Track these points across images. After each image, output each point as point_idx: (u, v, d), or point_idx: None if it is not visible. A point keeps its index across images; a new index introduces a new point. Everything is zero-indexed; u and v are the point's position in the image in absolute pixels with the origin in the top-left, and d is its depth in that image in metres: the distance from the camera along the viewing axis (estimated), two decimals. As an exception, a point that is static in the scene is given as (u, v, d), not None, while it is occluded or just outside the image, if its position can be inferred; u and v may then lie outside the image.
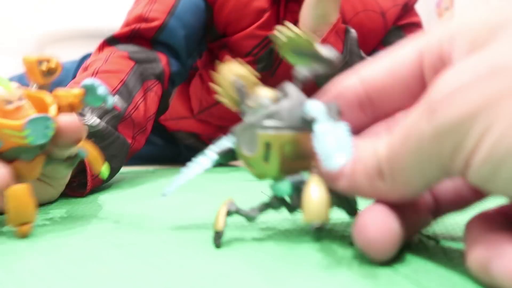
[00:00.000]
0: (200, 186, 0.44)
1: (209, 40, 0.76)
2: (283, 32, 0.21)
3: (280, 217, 0.26)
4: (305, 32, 0.21)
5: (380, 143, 0.18)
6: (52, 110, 0.25)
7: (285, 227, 0.25)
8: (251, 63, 0.73)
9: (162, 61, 0.61)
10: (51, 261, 0.19)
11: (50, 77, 0.27)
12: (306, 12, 0.64)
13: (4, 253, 0.21)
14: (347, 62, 0.64)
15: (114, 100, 0.27)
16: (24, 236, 0.23)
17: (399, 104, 0.20)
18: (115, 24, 0.63)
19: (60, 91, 0.27)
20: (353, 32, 0.65)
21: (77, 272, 0.18)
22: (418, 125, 0.16)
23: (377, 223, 0.17)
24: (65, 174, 0.34)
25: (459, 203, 0.20)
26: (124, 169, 0.73)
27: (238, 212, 0.21)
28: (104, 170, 0.28)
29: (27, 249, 0.21)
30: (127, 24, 0.64)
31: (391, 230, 0.17)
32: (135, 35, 0.62)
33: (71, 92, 0.27)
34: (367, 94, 0.20)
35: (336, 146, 0.16)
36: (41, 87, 0.27)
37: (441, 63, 0.18)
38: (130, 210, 0.32)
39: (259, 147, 0.20)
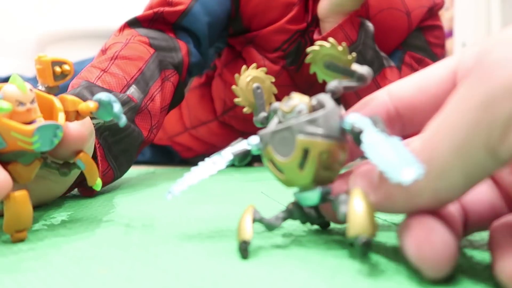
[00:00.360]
0: (200, 187, 0.44)
1: (231, 33, 0.75)
2: (320, 44, 0.21)
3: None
4: (342, 45, 0.21)
5: (414, 142, 0.16)
6: (61, 117, 0.25)
7: (298, 233, 0.25)
8: (280, 58, 0.73)
9: (182, 51, 0.60)
10: (55, 264, 0.19)
11: (62, 80, 0.27)
12: (325, 1, 0.65)
13: (7, 256, 0.21)
14: (360, 51, 0.64)
15: (125, 120, 0.26)
16: (20, 241, 0.23)
17: (429, 120, 0.20)
18: (116, 24, 0.62)
19: (69, 96, 0.26)
20: (369, 26, 0.66)
21: (82, 275, 0.18)
22: (461, 97, 0.13)
23: (437, 237, 0.15)
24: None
25: (492, 219, 0.19)
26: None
27: (261, 220, 0.20)
28: (98, 182, 0.28)
29: (32, 252, 0.21)
30: (150, 7, 0.63)
31: (451, 244, 0.15)
32: (157, 19, 0.61)
33: (86, 103, 0.26)
34: (396, 108, 0.20)
35: (398, 158, 0.15)
36: (49, 89, 0.27)
37: None
38: (135, 211, 0.32)
39: (296, 152, 0.19)
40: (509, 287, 0.14)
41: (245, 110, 0.24)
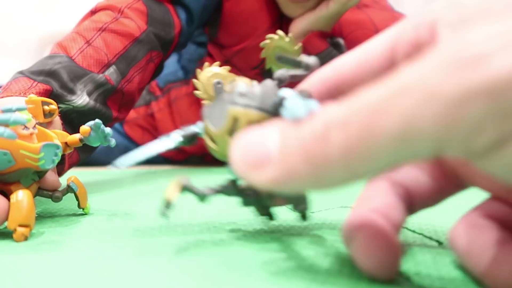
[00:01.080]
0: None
1: (208, 34, 0.76)
2: (270, 37, 0.22)
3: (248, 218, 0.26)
4: (290, 37, 0.22)
5: (331, 107, 0.14)
6: (57, 142, 0.27)
7: (254, 228, 0.25)
8: (257, 76, 0.76)
9: (176, 29, 0.60)
10: (56, 264, 0.19)
11: (50, 118, 0.30)
12: (298, 23, 0.68)
13: (2, 253, 0.21)
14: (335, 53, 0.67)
15: (114, 142, 0.30)
16: (23, 239, 0.23)
17: None
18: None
19: (57, 130, 0.30)
20: (339, 40, 0.70)
21: (76, 272, 0.18)
22: (423, 81, 0.12)
23: (378, 240, 0.15)
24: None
25: (436, 197, 0.19)
26: (123, 169, 0.73)
27: (191, 188, 0.21)
28: (88, 206, 0.31)
29: (25, 249, 0.21)
30: None
31: (393, 244, 0.16)
32: None
33: (73, 136, 0.30)
34: (337, 86, 0.20)
35: (301, 108, 0.16)
36: (39, 125, 0.28)
37: (417, 51, 0.16)
38: (134, 212, 0.32)
39: (227, 121, 0.20)
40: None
41: (204, 102, 0.24)
